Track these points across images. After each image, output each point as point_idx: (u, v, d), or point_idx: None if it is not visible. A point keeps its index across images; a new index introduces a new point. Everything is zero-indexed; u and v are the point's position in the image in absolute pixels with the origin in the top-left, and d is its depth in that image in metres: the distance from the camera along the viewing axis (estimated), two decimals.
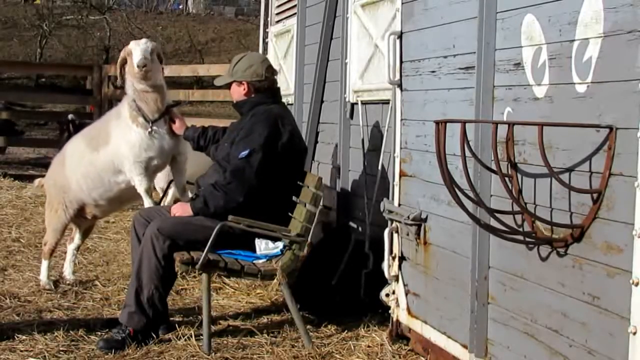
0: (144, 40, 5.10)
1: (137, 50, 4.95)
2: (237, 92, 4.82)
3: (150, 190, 5.11)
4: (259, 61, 4.83)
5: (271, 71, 4.84)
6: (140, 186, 5.03)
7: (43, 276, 5.53)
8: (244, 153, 4.52)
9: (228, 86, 4.92)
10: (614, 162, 2.81)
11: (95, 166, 5.20)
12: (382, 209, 4.53)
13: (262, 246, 4.54)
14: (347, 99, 5.97)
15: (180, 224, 4.50)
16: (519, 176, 3.33)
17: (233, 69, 4.81)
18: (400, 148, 4.42)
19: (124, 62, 5.06)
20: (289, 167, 4.68)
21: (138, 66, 4.89)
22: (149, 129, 4.94)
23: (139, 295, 4.43)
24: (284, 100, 5.08)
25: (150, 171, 5.06)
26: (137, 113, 4.96)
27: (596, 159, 2.89)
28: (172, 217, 4.57)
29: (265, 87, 4.78)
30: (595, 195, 2.89)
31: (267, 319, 4.99)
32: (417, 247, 4.23)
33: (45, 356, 4.21)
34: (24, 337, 4.47)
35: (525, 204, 3.26)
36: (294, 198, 4.67)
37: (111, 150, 5.11)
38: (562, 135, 3.05)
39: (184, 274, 4.87)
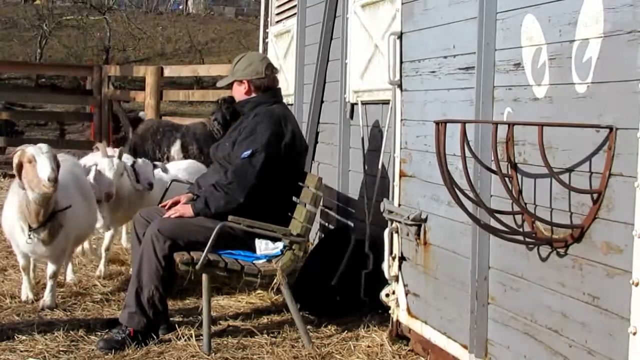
0: (45, 147, 4.62)
1: (43, 160, 4.52)
2: (239, 92, 4.82)
3: (24, 267, 5.16)
4: (259, 59, 4.84)
5: (271, 69, 4.83)
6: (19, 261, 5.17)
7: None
8: (247, 153, 4.52)
9: (230, 87, 4.93)
10: (614, 162, 2.81)
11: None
12: (382, 209, 4.53)
13: (262, 246, 4.53)
14: (347, 99, 5.97)
15: (181, 225, 4.50)
16: (519, 176, 3.33)
17: (234, 69, 4.82)
18: (400, 148, 4.42)
19: (20, 167, 4.65)
20: (290, 167, 4.67)
21: (49, 180, 4.49)
22: (27, 236, 4.83)
23: (139, 296, 4.43)
24: (284, 100, 5.08)
25: (28, 257, 5.12)
26: (21, 217, 4.79)
27: (596, 159, 2.89)
28: (172, 218, 4.57)
29: (265, 85, 4.78)
30: (595, 196, 2.89)
31: (267, 319, 4.98)
32: (417, 248, 4.22)
33: (45, 356, 4.21)
34: (24, 337, 4.47)
35: (525, 204, 3.25)
36: (294, 198, 4.67)
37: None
38: (562, 135, 3.05)
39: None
